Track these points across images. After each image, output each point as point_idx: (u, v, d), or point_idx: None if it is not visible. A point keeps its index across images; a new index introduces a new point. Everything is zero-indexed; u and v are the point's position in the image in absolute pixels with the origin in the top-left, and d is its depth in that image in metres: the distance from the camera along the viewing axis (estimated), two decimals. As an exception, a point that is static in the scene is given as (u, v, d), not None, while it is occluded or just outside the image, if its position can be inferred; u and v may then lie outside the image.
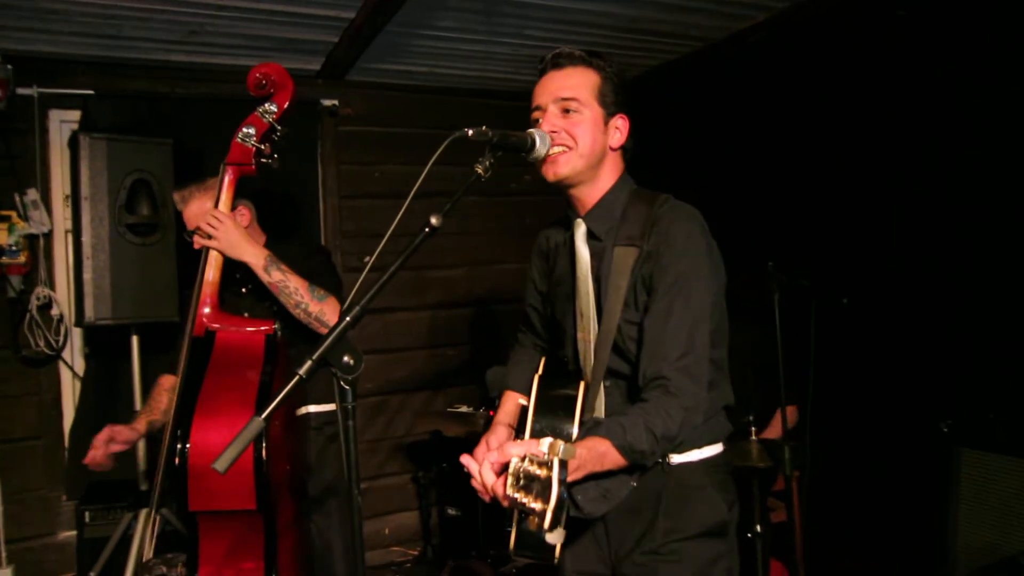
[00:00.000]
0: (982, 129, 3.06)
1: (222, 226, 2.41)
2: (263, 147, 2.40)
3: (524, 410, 2.01)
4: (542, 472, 1.24)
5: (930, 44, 3.27)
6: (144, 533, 3.36)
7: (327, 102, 4.47)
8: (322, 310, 2.57)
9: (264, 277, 2.50)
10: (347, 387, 1.41)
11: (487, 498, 1.87)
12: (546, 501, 1.20)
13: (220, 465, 1.26)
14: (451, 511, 4.31)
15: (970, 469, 2.67)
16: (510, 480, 1.32)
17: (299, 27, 3.60)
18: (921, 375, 3.26)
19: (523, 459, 1.31)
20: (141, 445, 3.53)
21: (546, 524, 1.20)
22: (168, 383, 2.86)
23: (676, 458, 1.83)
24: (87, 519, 3.55)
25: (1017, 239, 2.94)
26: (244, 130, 2.37)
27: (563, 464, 1.24)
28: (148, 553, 2.62)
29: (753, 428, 3.04)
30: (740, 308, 3.68)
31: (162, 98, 4.07)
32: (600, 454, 1.56)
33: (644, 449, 1.59)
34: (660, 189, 1.90)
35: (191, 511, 2.16)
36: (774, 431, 3.18)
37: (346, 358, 1.39)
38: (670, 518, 1.80)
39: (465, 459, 1.87)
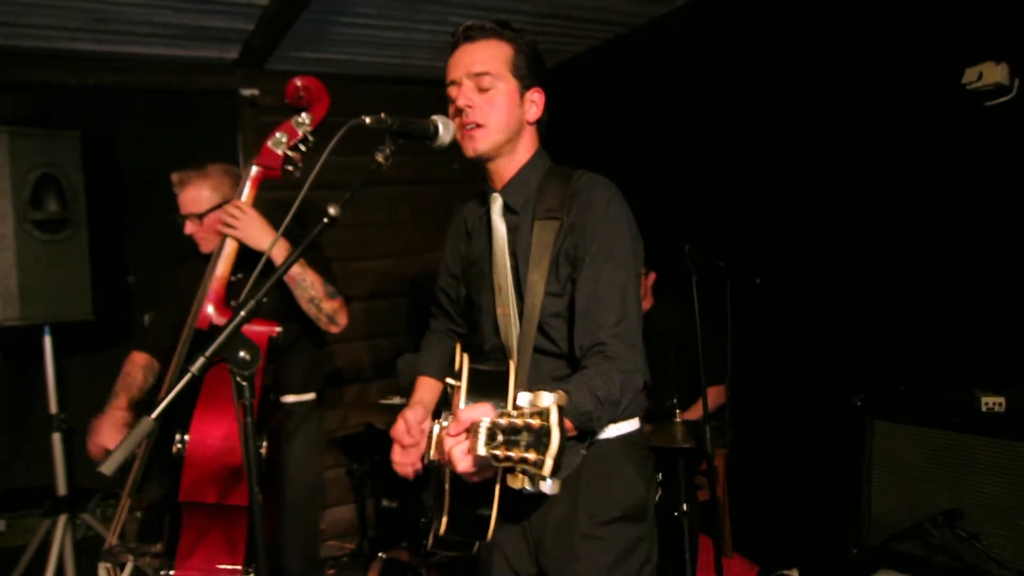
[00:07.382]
0: (892, 113, 3.14)
1: (245, 216, 2.42)
2: (292, 155, 2.42)
3: (449, 390, 1.98)
4: (534, 421, 1.20)
5: (841, 28, 3.34)
6: (65, 537, 3.28)
7: (246, 92, 4.33)
8: (334, 308, 2.63)
9: None
10: (244, 383, 1.36)
11: (411, 473, 1.87)
12: (543, 449, 1.17)
13: (107, 468, 1.21)
14: (387, 502, 4.27)
15: (882, 440, 2.76)
16: (482, 439, 1.25)
17: (211, 14, 3.49)
18: (834, 352, 3.36)
19: (499, 416, 1.26)
20: (59, 449, 3.42)
21: (546, 471, 1.17)
22: (142, 360, 2.83)
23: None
24: (2, 528, 3.43)
25: (926, 220, 3.03)
26: (276, 136, 2.39)
27: (560, 409, 1.21)
28: (112, 540, 2.54)
29: (677, 410, 3.08)
30: (663, 292, 3.76)
31: (71, 89, 3.90)
32: None
33: (590, 410, 1.55)
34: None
35: (180, 501, 2.19)
36: (697, 412, 3.22)
37: (242, 353, 1.36)
38: (590, 499, 1.79)
39: (397, 431, 1.85)
